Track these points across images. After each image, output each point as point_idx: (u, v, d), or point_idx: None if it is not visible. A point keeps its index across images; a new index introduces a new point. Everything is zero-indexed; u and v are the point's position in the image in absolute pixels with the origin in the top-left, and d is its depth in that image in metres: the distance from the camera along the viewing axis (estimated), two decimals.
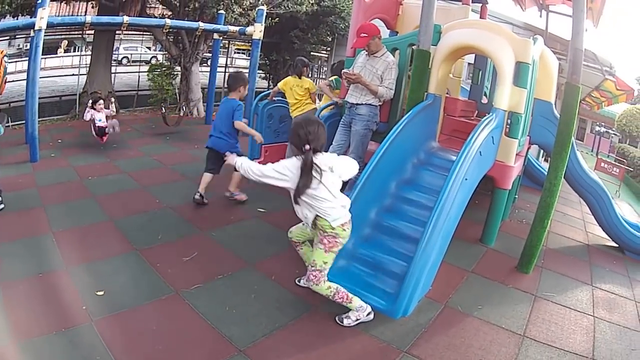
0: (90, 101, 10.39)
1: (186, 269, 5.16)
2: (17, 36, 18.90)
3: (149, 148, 10.49)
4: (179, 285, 4.78)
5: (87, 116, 10.03)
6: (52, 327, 3.95)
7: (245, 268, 5.30)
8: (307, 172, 4.24)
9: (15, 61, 19.45)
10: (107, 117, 10.32)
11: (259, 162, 8.50)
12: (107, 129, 10.12)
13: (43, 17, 8.62)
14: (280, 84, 8.84)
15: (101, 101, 10.37)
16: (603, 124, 45.50)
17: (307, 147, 4.24)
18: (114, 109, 11.18)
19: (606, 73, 15.09)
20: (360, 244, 5.32)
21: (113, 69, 16.74)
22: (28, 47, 12.88)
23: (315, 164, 4.24)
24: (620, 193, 17.80)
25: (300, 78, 8.68)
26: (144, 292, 4.63)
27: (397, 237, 5.34)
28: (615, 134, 46.22)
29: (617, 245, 8.19)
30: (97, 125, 10.08)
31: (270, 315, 4.45)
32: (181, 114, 12.45)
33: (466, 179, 5.07)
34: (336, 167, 4.43)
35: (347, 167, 4.59)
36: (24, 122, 10.52)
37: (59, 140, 10.89)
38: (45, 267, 4.99)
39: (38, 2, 8.62)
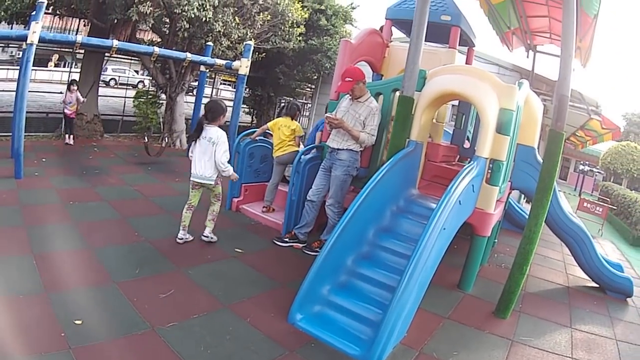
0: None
1: (163, 306, 5.10)
2: (10, 45, 18.91)
3: (130, 177, 10.45)
4: (155, 322, 4.72)
5: (64, 98, 12.11)
6: (31, 350, 3.92)
7: (220, 309, 5.24)
8: (197, 129, 6.80)
9: (7, 69, 19.46)
10: (77, 102, 12.41)
11: (239, 202, 8.68)
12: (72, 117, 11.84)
13: (35, 31, 8.63)
14: (270, 124, 8.99)
15: (75, 84, 12.39)
16: (587, 162, 45.76)
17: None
18: (81, 98, 12.90)
19: (592, 113, 15.16)
20: (336, 291, 5.34)
21: (100, 91, 16.69)
22: (20, 55, 12.98)
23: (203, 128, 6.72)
24: (602, 232, 17.84)
25: (292, 120, 8.79)
26: (121, 325, 4.58)
27: (374, 285, 5.35)
28: (600, 172, 46.49)
29: (597, 286, 8.24)
30: (65, 110, 11.90)
31: (245, 358, 4.40)
32: (163, 144, 12.43)
33: (445, 229, 5.08)
34: (215, 141, 6.68)
35: (221, 151, 6.65)
36: (10, 134, 10.47)
37: (43, 159, 10.84)
38: (25, 289, 4.95)
39: (32, 14, 8.65)
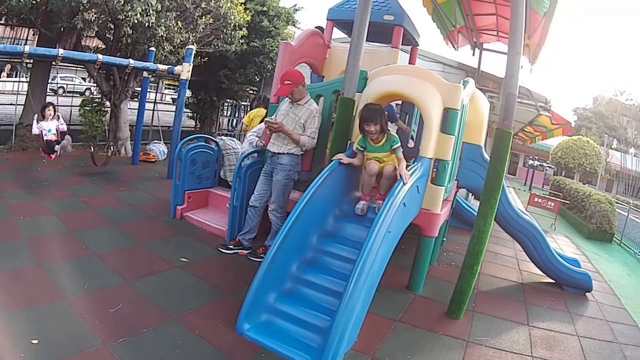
0: (36, 114, 10.04)
1: (113, 321, 5.03)
2: None
3: (77, 188, 10.24)
4: (106, 338, 4.65)
5: (35, 129, 9.67)
6: None
7: (169, 321, 5.17)
8: None
9: None
10: (57, 130, 10.06)
11: (182, 209, 8.59)
12: (56, 149, 9.82)
13: None
14: (245, 119, 10.13)
15: (51, 107, 10.10)
16: (536, 157, 46.35)
17: None
18: (64, 123, 10.59)
19: (541, 109, 15.33)
20: (282, 299, 5.29)
21: (49, 99, 16.27)
22: None
23: None
24: (555, 226, 18.03)
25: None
26: (74, 343, 4.50)
27: (320, 291, 5.32)
28: (550, 167, 47.11)
29: (553, 281, 8.30)
30: (45, 139, 9.76)
31: None
32: (109, 153, 12.27)
33: (389, 232, 5.07)
34: None
35: None
36: None
37: None
38: None
39: None
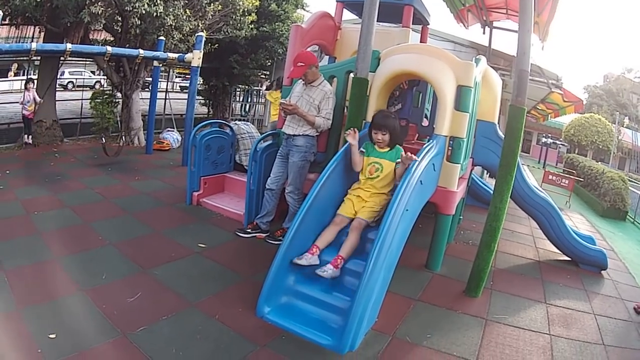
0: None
1: (131, 310, 5.02)
2: None
3: (91, 180, 10.27)
4: (125, 327, 4.64)
5: (21, 99, 11.28)
6: None
7: (188, 308, 5.18)
8: None
9: None
10: (35, 104, 11.72)
11: (199, 195, 8.54)
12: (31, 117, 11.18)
13: None
14: (273, 93, 10.37)
15: (31, 82, 11.65)
16: (549, 135, 46.09)
17: None
18: (38, 98, 12.34)
19: (552, 86, 15.23)
20: (302, 280, 5.29)
21: (58, 95, 16.45)
22: None
23: None
24: (570, 204, 17.96)
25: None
26: (94, 335, 4.49)
27: (339, 271, 5.27)
28: (563, 144, 46.86)
29: (569, 259, 8.22)
30: (23, 112, 11.32)
31: (217, 357, 4.36)
32: (121, 143, 12.28)
33: (407, 210, 5.05)
34: None
35: None
36: None
37: (7, 172, 10.53)
38: None
39: None
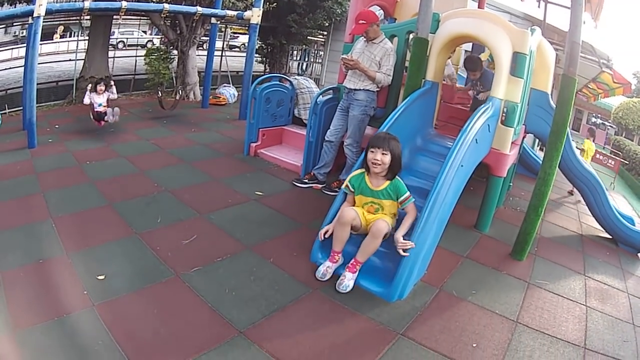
0: (90, 85, 10.20)
1: (185, 252, 5.18)
2: (14, 23, 18.72)
3: (146, 132, 10.51)
4: (179, 268, 4.81)
5: (87, 100, 9.84)
6: (54, 314, 3.95)
7: (243, 251, 5.32)
8: None
9: (12, 48, 19.41)
10: (108, 101, 10.15)
11: (257, 146, 8.69)
12: (106, 117, 9.97)
13: (42, 4, 8.53)
14: None
15: (102, 84, 10.16)
16: (599, 115, 45.47)
17: None
18: (115, 92, 10.57)
19: (603, 66, 15.13)
20: None
21: (110, 54, 16.68)
22: (24, 34, 12.80)
23: None
24: (615, 185, 17.86)
25: None
26: (145, 276, 4.65)
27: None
28: (611, 126, 46.22)
29: (610, 237, 8.20)
30: (95, 110, 9.93)
31: (269, 298, 4.48)
32: (177, 97, 12.42)
33: (462, 166, 5.14)
34: None
35: None
36: (20, 108, 10.39)
37: (56, 126, 10.87)
38: (45, 253, 4.98)
39: None
